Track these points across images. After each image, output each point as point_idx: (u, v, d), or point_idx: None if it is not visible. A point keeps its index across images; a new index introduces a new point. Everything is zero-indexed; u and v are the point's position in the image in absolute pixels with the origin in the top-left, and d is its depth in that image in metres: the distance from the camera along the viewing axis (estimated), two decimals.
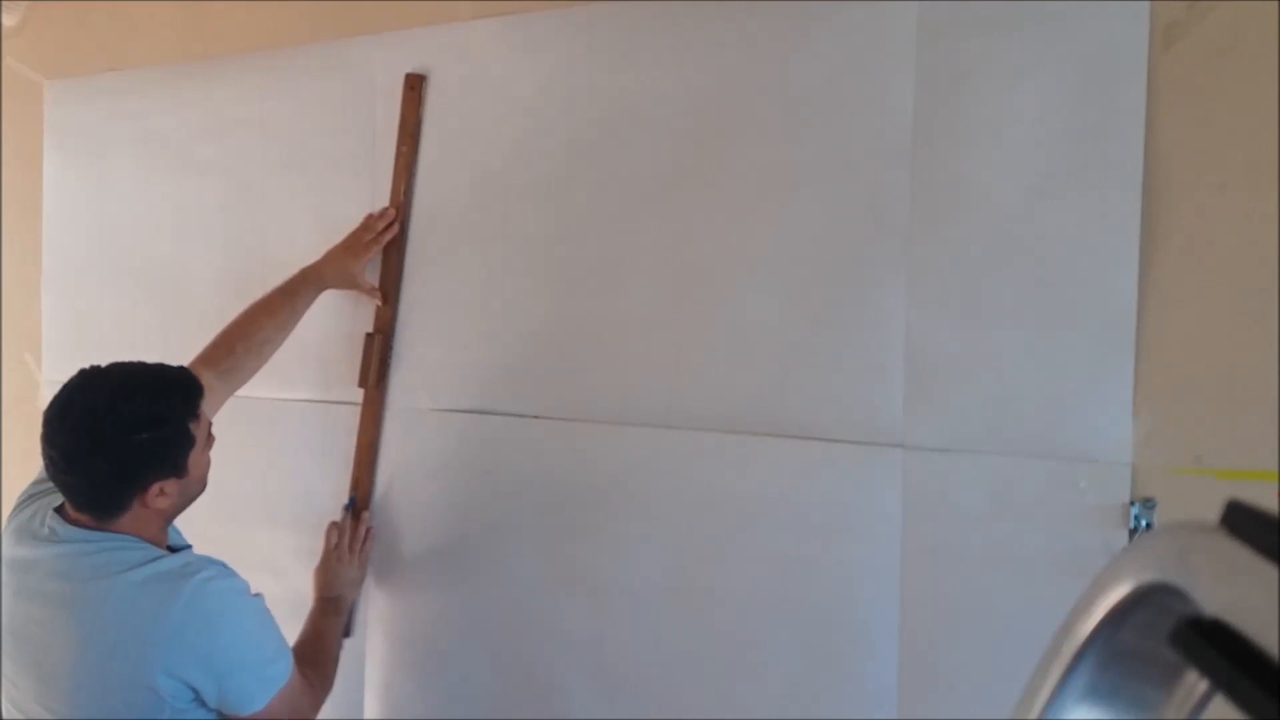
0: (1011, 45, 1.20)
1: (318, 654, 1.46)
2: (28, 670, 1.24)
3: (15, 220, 2.19)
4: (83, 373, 1.24)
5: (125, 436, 1.19)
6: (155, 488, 1.22)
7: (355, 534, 1.63)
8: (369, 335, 1.63)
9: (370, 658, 1.69)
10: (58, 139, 2.09)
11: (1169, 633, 0.34)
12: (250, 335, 1.53)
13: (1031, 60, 1.19)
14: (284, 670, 1.27)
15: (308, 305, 1.60)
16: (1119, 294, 1.15)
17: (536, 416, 1.52)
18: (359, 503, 1.65)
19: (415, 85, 1.62)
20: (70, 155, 2.07)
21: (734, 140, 1.37)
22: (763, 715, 1.36)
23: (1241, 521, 0.33)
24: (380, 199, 1.64)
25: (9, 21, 2.18)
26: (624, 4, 1.45)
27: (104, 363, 1.26)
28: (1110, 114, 1.15)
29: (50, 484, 1.32)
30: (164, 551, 1.25)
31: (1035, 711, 0.42)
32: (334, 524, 1.64)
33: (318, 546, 1.66)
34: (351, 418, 1.68)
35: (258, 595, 1.27)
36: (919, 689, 1.26)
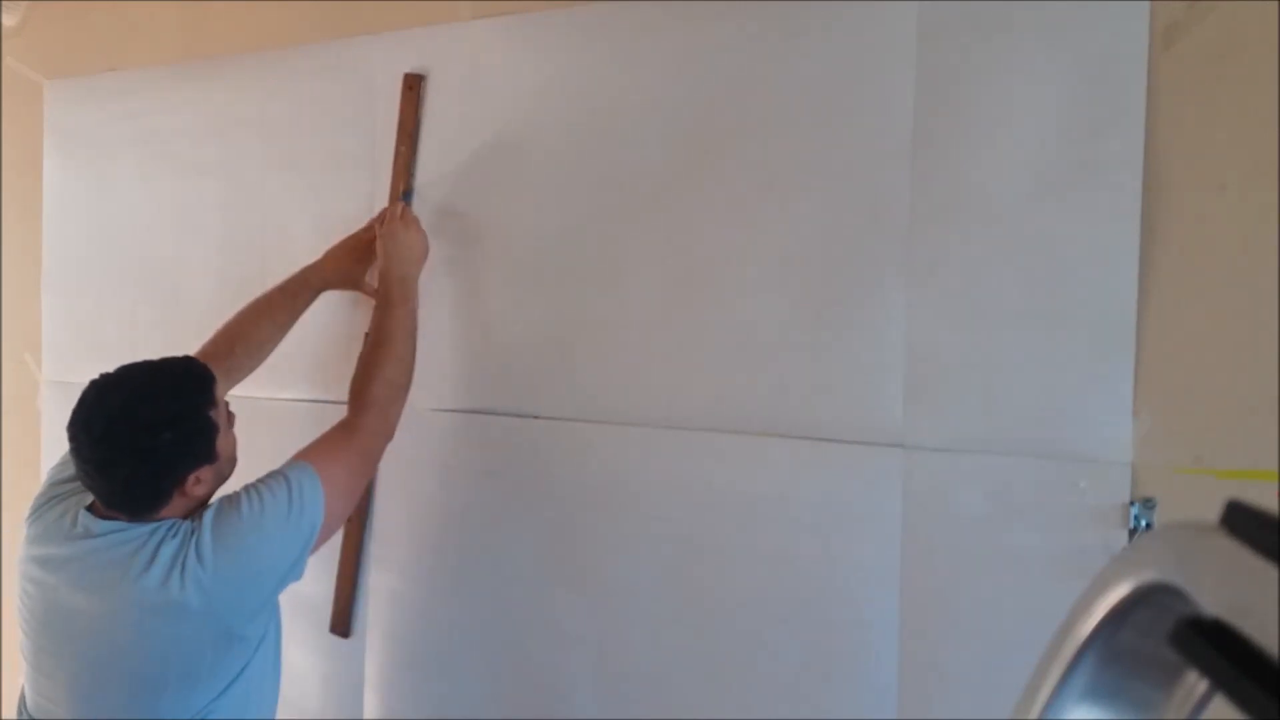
0: (1011, 45, 1.20)
1: (377, 364, 1.42)
2: (69, 658, 1.25)
3: (15, 220, 2.19)
4: (94, 383, 1.25)
5: (151, 439, 1.20)
6: (191, 478, 1.25)
7: (405, 211, 1.56)
8: (368, 335, 1.63)
9: (370, 658, 1.69)
10: (58, 139, 2.09)
11: (1169, 633, 0.34)
12: (249, 336, 1.53)
13: (1031, 60, 1.19)
14: (313, 492, 1.27)
15: (307, 305, 1.60)
16: (1119, 294, 1.15)
17: (536, 416, 1.52)
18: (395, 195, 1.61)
19: (414, 85, 1.62)
20: (70, 155, 2.07)
21: (734, 140, 1.37)
22: (762, 715, 1.36)
23: (1241, 521, 0.33)
24: (380, 199, 1.64)
25: (9, 21, 2.18)
26: (624, 4, 1.45)
27: (111, 367, 1.26)
28: (1110, 114, 1.15)
29: (71, 485, 1.33)
30: (179, 523, 1.24)
31: (1035, 711, 0.42)
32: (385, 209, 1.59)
33: None
34: None
35: (256, 488, 1.26)
36: (919, 689, 1.26)
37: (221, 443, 1.29)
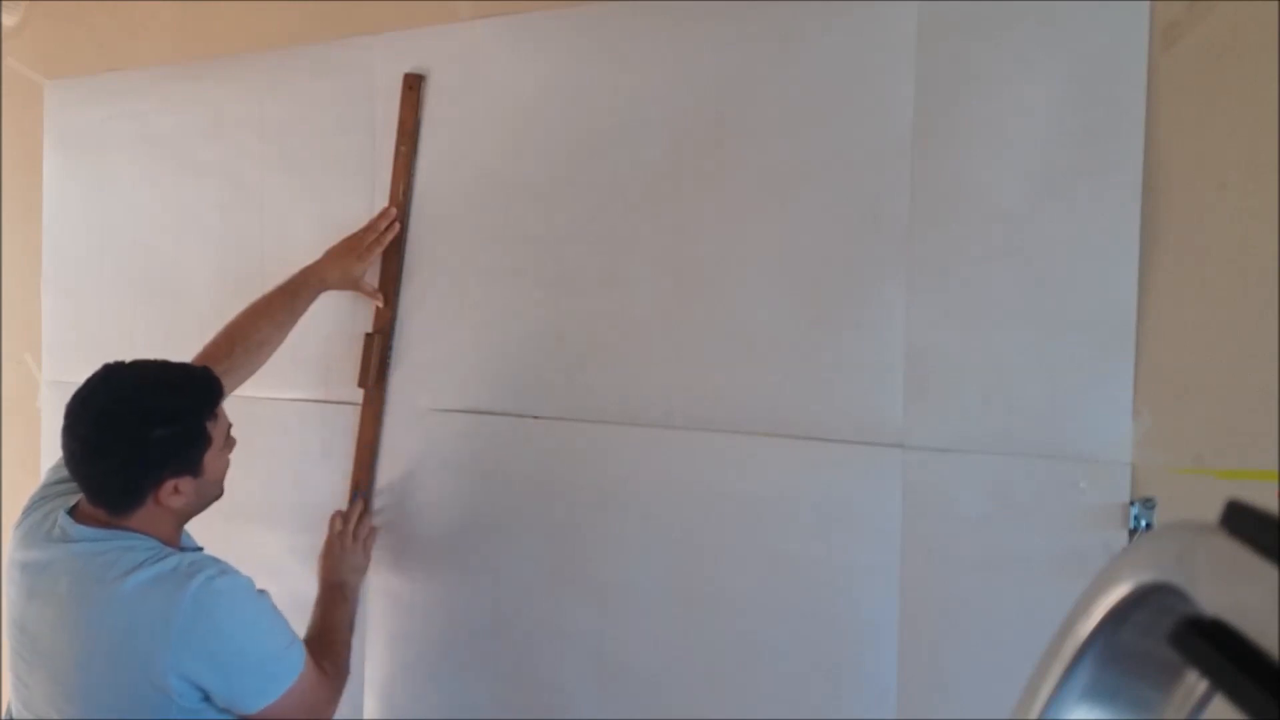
0: (1011, 45, 1.20)
1: (329, 645, 1.44)
2: (39, 670, 1.25)
3: (15, 220, 2.19)
4: (107, 367, 1.26)
5: (143, 429, 1.20)
6: (170, 485, 1.23)
7: (361, 522, 1.61)
8: (368, 335, 1.63)
9: (370, 658, 1.69)
10: (58, 139, 2.09)
11: (1169, 633, 0.34)
12: (249, 336, 1.53)
13: (1031, 60, 1.19)
14: (295, 665, 1.26)
15: (307, 306, 1.60)
16: (1119, 294, 1.15)
17: (536, 417, 1.52)
18: (359, 494, 1.65)
19: (414, 85, 1.62)
20: (70, 155, 2.07)
21: (734, 140, 1.37)
22: (762, 715, 1.36)
23: (1241, 521, 0.33)
24: (380, 199, 1.64)
25: (9, 21, 2.18)
26: (624, 4, 1.45)
27: (125, 359, 1.27)
28: (1110, 114, 1.15)
29: (61, 486, 1.33)
30: (169, 550, 1.24)
31: (1035, 711, 0.42)
32: (338, 512, 1.63)
33: (316, 545, 1.66)
34: (351, 417, 1.68)
35: (263, 592, 1.27)
36: (919, 689, 1.26)
37: (211, 459, 1.27)
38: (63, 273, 2.08)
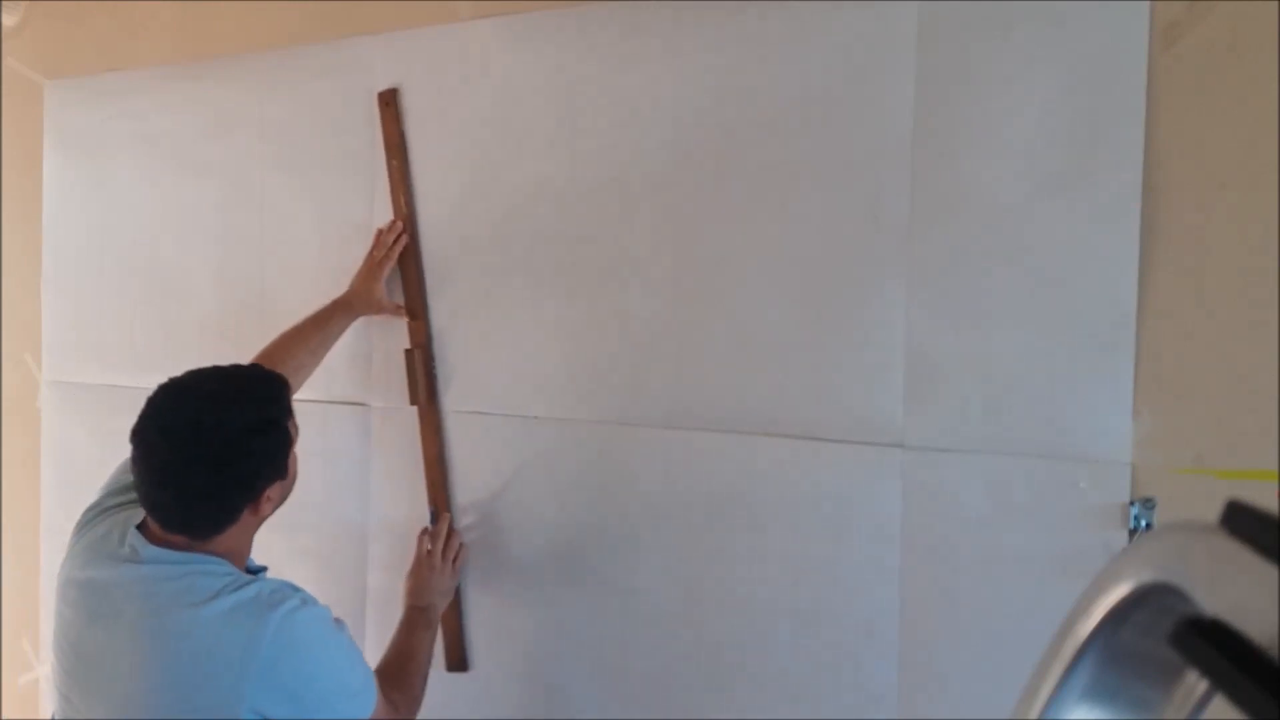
0: (1011, 45, 1.20)
1: (406, 673, 1.37)
2: (95, 695, 1.17)
3: (15, 220, 2.19)
4: (165, 387, 1.17)
5: (238, 446, 1.14)
6: (265, 494, 1.18)
7: (449, 542, 1.57)
8: (408, 351, 1.61)
9: (371, 657, 1.68)
10: (58, 139, 2.09)
11: (1169, 633, 0.34)
12: (284, 361, 1.49)
13: (1031, 60, 1.19)
14: (368, 703, 1.20)
15: (340, 333, 1.59)
16: (1119, 294, 1.15)
17: (536, 417, 1.52)
18: (442, 512, 1.60)
19: (390, 100, 1.62)
20: (70, 155, 2.07)
21: (734, 140, 1.37)
22: (762, 714, 1.36)
23: (1241, 521, 0.33)
24: (381, 199, 1.64)
25: (9, 21, 2.18)
26: (624, 4, 1.45)
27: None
28: (1110, 114, 1.15)
29: (122, 498, 1.25)
30: (246, 577, 1.17)
31: (1035, 711, 0.42)
32: (425, 531, 1.58)
33: (315, 546, 1.66)
34: (353, 418, 1.68)
35: (340, 622, 1.21)
36: (919, 689, 1.26)
37: (292, 457, 1.23)
38: (63, 273, 2.08)
